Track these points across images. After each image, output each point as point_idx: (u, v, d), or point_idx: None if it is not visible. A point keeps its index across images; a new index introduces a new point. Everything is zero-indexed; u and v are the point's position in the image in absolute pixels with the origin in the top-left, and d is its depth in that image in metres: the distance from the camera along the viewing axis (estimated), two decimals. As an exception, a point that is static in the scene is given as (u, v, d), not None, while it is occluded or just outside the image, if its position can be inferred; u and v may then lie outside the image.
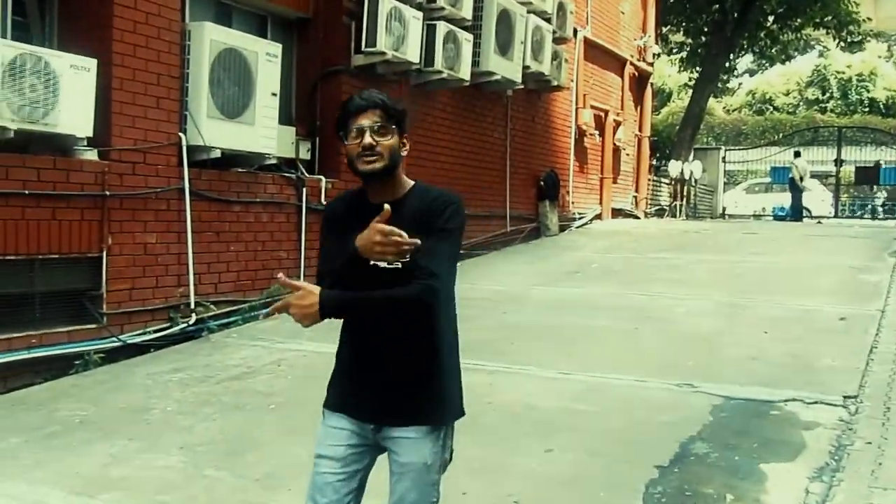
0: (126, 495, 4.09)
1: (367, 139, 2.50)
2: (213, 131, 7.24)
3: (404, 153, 2.63)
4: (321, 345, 6.73)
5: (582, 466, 4.48)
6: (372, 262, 2.47)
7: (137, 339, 6.76)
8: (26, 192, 6.00)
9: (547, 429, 5.02)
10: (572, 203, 15.21)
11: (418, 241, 2.40)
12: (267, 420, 5.29)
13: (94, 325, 6.45)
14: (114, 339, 6.52)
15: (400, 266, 2.47)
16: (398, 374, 2.59)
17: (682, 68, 27.72)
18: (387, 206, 2.40)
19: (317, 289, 2.47)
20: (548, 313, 8.27)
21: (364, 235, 2.41)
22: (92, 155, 6.52)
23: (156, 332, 6.98)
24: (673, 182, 22.07)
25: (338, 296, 2.48)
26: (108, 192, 6.55)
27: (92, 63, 6.28)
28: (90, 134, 6.36)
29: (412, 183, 2.65)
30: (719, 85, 28.09)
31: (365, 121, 2.51)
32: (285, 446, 4.74)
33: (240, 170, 7.91)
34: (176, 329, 7.13)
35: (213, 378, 6.08)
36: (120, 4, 6.73)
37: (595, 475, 4.36)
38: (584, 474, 4.37)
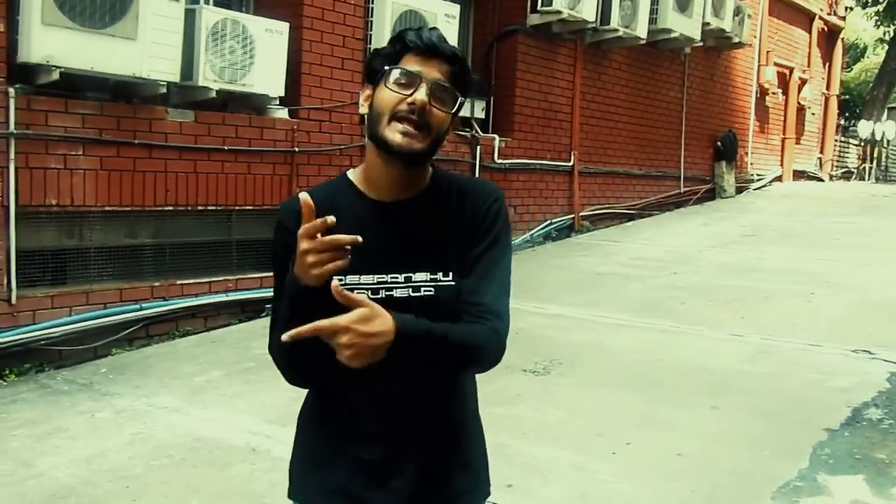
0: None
1: (421, 94, 1.67)
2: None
3: (445, 140, 1.78)
4: (515, 301, 6.99)
5: (748, 425, 4.51)
6: (378, 295, 1.69)
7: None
8: (225, 147, 6.51)
9: (714, 388, 5.06)
10: (751, 164, 14.76)
11: None
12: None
13: (283, 272, 6.94)
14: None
15: (433, 293, 1.74)
16: (436, 444, 1.81)
17: (878, 23, 26.01)
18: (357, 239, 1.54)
19: (382, 310, 1.53)
20: (720, 275, 8.18)
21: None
22: (283, 113, 6.98)
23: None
24: (862, 143, 20.91)
25: (417, 323, 1.60)
26: (297, 149, 7.00)
27: (284, 26, 6.69)
28: (282, 94, 6.79)
29: (430, 169, 1.82)
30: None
31: (430, 70, 1.70)
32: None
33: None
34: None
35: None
36: (310, -30, 7.14)
37: (761, 434, 4.38)
38: (749, 433, 4.40)
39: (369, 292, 1.69)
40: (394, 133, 1.67)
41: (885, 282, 7.82)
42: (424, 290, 1.73)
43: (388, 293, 1.72)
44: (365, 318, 1.51)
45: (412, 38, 1.72)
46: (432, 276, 1.74)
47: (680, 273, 8.28)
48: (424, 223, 1.77)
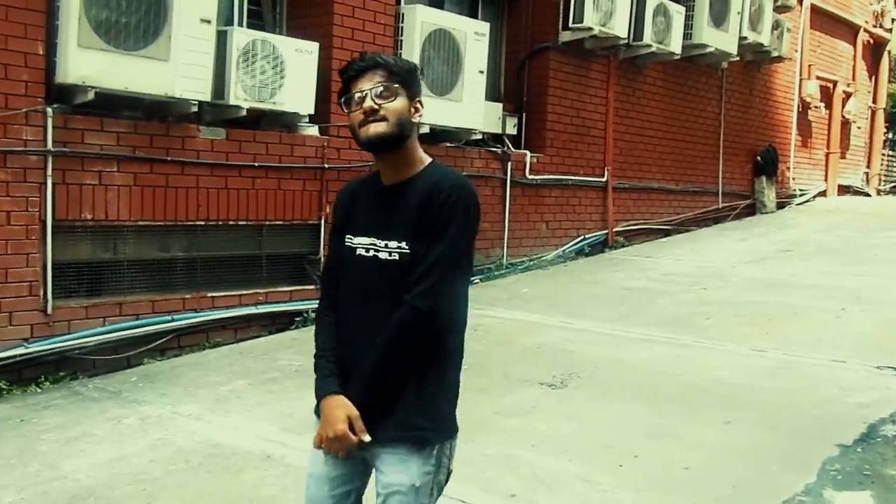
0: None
1: (368, 103, 2.23)
2: (424, 108, 7.66)
3: (417, 118, 2.30)
4: (518, 312, 7.09)
5: (758, 439, 4.52)
6: (368, 254, 2.31)
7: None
8: (256, 164, 6.70)
9: (729, 402, 5.08)
10: (793, 179, 14.62)
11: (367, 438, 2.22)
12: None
13: (312, 286, 7.09)
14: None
15: (397, 258, 2.26)
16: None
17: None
18: (366, 438, 2.22)
19: (334, 401, 2.25)
20: (750, 291, 8.15)
21: (328, 419, 2.24)
22: (313, 131, 7.15)
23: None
24: (912, 157, 20.57)
25: (357, 388, 2.24)
26: (326, 165, 7.16)
27: (314, 46, 6.87)
28: (312, 111, 6.97)
29: (429, 161, 2.36)
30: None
31: (366, 84, 2.24)
32: (473, 403, 5.09)
33: (448, 144, 8.34)
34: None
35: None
36: (341, -9, 7.33)
37: (770, 449, 4.39)
38: (759, 447, 4.42)
39: (363, 250, 2.32)
40: (363, 133, 2.26)
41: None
42: (392, 255, 2.27)
43: (375, 253, 2.30)
44: (325, 423, 2.25)
45: (345, 72, 2.31)
46: (398, 245, 2.26)
47: (710, 288, 8.27)
48: (403, 202, 2.27)
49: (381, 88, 2.24)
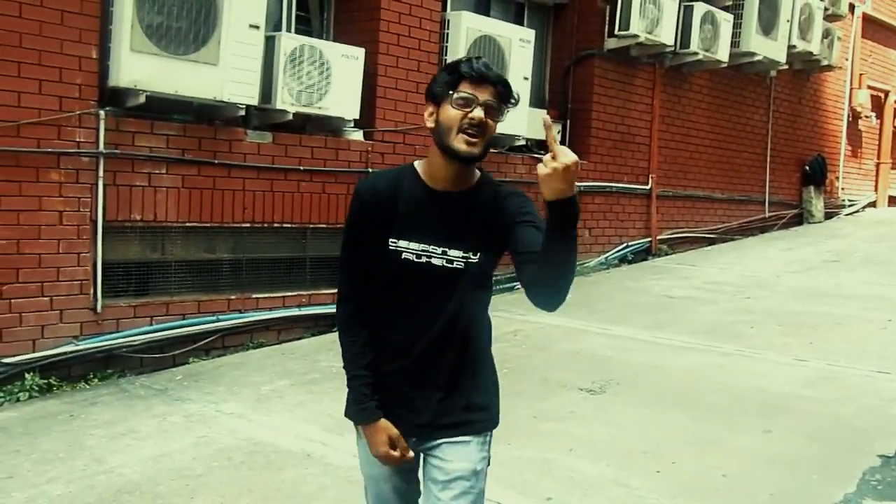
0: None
1: (479, 113, 2.15)
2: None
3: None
4: (558, 318, 7.07)
5: (798, 449, 4.49)
6: (421, 260, 2.25)
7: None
8: (301, 168, 6.79)
9: (770, 411, 5.04)
10: (842, 189, 14.41)
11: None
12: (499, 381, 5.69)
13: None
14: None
15: (462, 266, 2.26)
16: (452, 377, 2.34)
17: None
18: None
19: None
20: (795, 301, 8.07)
21: (372, 442, 2.31)
22: (358, 135, 7.23)
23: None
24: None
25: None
26: (370, 169, 7.23)
27: (360, 52, 6.96)
28: (357, 116, 7.05)
29: (478, 172, 2.34)
30: None
31: (482, 93, 2.16)
32: (510, 407, 5.11)
33: (491, 150, 8.34)
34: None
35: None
36: (387, -2, 7.41)
37: (810, 458, 4.36)
38: (798, 456, 4.39)
39: (414, 256, 2.25)
40: (460, 143, 2.16)
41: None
42: (456, 263, 2.26)
43: (427, 259, 2.25)
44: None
45: (465, 69, 2.18)
46: (464, 254, 2.26)
47: (754, 298, 8.20)
48: (466, 212, 2.26)
49: (496, 106, 2.18)
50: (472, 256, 2.26)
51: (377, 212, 2.27)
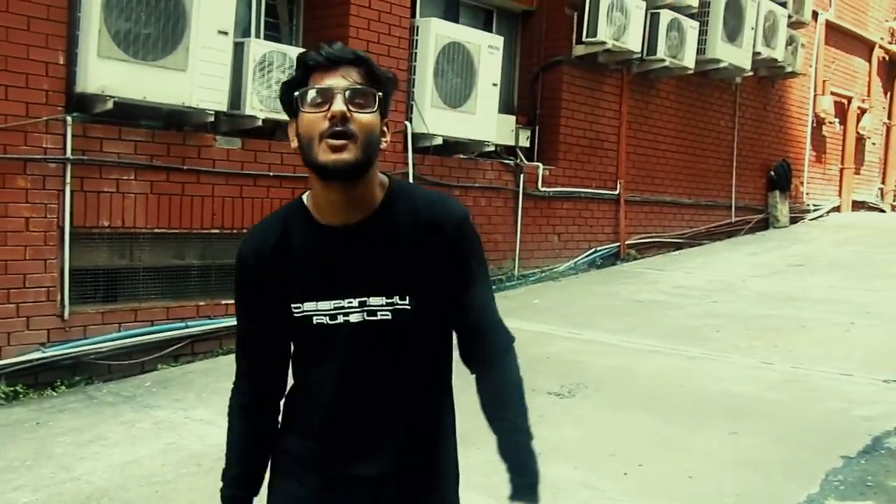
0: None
1: (338, 105, 1.64)
2: (437, 120, 7.74)
3: (384, 145, 1.75)
4: (529, 323, 7.12)
5: (764, 451, 4.55)
6: (336, 321, 1.77)
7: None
8: (270, 173, 6.78)
9: (735, 413, 5.11)
10: (806, 194, 14.61)
11: None
12: (470, 386, 5.72)
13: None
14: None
15: (389, 317, 1.77)
16: (407, 459, 1.87)
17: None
18: None
19: None
20: (761, 304, 8.17)
21: None
22: (328, 141, 7.23)
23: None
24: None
25: (532, 470, 1.90)
26: (340, 175, 7.23)
27: (329, 58, 6.96)
28: (326, 122, 7.05)
29: (387, 182, 1.81)
30: None
31: (336, 80, 1.67)
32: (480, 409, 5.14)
33: (461, 156, 8.41)
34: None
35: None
36: (356, 4, 7.39)
37: (775, 460, 4.42)
38: (764, 458, 4.45)
39: (327, 318, 1.76)
40: (324, 153, 1.65)
41: (930, 313, 7.74)
42: (381, 315, 1.76)
43: (345, 318, 1.76)
44: None
45: (312, 57, 1.71)
46: (388, 301, 1.76)
47: (720, 301, 8.30)
48: (377, 246, 1.76)
49: (358, 90, 1.68)
50: (398, 301, 1.76)
51: (263, 276, 1.79)
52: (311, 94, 1.68)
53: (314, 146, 1.67)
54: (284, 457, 1.90)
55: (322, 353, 1.79)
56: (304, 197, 1.84)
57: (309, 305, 1.77)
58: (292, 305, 1.77)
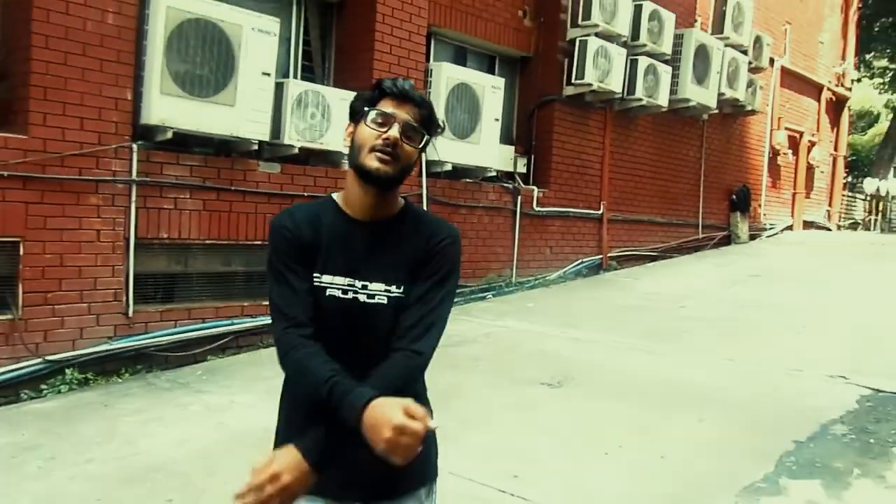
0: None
1: (394, 132, 1.76)
2: (447, 149, 7.79)
3: (413, 171, 1.92)
4: (524, 323, 7.14)
5: (727, 435, 4.56)
6: (347, 296, 1.80)
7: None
8: (305, 194, 6.81)
9: (702, 403, 5.10)
10: (764, 215, 14.58)
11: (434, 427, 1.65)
12: (473, 377, 5.74)
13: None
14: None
15: (385, 301, 1.81)
16: None
17: (882, 90, 25.56)
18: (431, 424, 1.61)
19: (286, 453, 1.72)
20: (723, 309, 8.17)
21: (382, 420, 1.57)
22: (354, 167, 7.26)
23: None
24: (869, 198, 20.50)
25: (318, 437, 1.70)
26: (364, 196, 7.26)
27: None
28: (353, 151, 7.08)
29: (402, 201, 1.90)
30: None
31: (402, 112, 1.78)
32: (481, 398, 5.16)
33: (467, 180, 8.45)
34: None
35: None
36: (379, 51, 7.45)
37: (737, 443, 4.43)
38: (727, 441, 4.45)
39: (339, 292, 1.81)
40: (371, 161, 1.76)
41: (871, 317, 7.73)
42: (378, 298, 1.82)
43: (354, 295, 1.81)
44: (273, 474, 1.73)
45: (388, 86, 1.81)
46: (386, 287, 1.82)
47: (688, 306, 8.29)
48: (386, 243, 1.84)
49: (412, 127, 1.79)
50: (393, 289, 1.82)
51: (301, 245, 1.82)
52: (376, 113, 1.79)
53: (363, 152, 1.78)
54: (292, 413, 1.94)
55: (330, 325, 1.80)
56: (335, 195, 1.93)
57: (326, 278, 1.82)
58: (314, 275, 1.82)
